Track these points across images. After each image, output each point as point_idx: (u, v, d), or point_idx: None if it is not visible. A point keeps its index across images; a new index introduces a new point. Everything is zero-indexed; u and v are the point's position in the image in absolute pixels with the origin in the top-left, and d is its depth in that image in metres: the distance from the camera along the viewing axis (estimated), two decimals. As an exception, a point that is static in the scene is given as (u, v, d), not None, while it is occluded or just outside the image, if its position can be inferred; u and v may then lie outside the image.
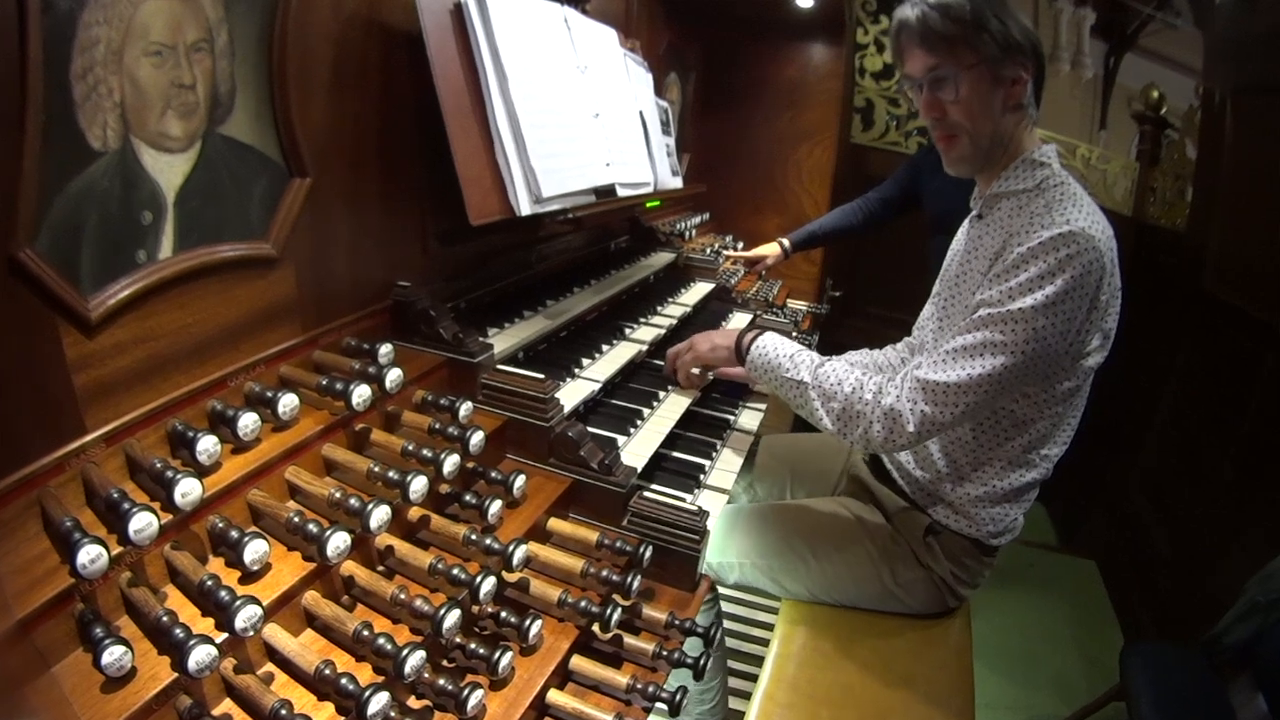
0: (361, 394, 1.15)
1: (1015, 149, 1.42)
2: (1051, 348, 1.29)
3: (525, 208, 1.51)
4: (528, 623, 1.04)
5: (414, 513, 1.16)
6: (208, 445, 0.97)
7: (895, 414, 1.36)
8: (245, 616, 0.82)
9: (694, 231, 3.25)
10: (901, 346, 1.91)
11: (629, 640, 1.16)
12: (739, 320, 2.45)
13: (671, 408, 1.71)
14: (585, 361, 1.70)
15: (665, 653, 1.13)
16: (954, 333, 1.36)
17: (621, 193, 1.92)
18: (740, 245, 3.34)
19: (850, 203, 3.01)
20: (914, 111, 3.63)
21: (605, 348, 1.80)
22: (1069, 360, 1.36)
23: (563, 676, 1.10)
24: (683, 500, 1.38)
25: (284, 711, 0.80)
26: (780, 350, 1.55)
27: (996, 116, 1.38)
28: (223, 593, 0.83)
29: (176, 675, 0.79)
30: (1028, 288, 1.26)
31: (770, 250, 3.05)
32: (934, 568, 1.56)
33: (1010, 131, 1.40)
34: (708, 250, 2.91)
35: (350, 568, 1.02)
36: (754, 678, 1.57)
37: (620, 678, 1.07)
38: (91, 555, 0.76)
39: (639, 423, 1.62)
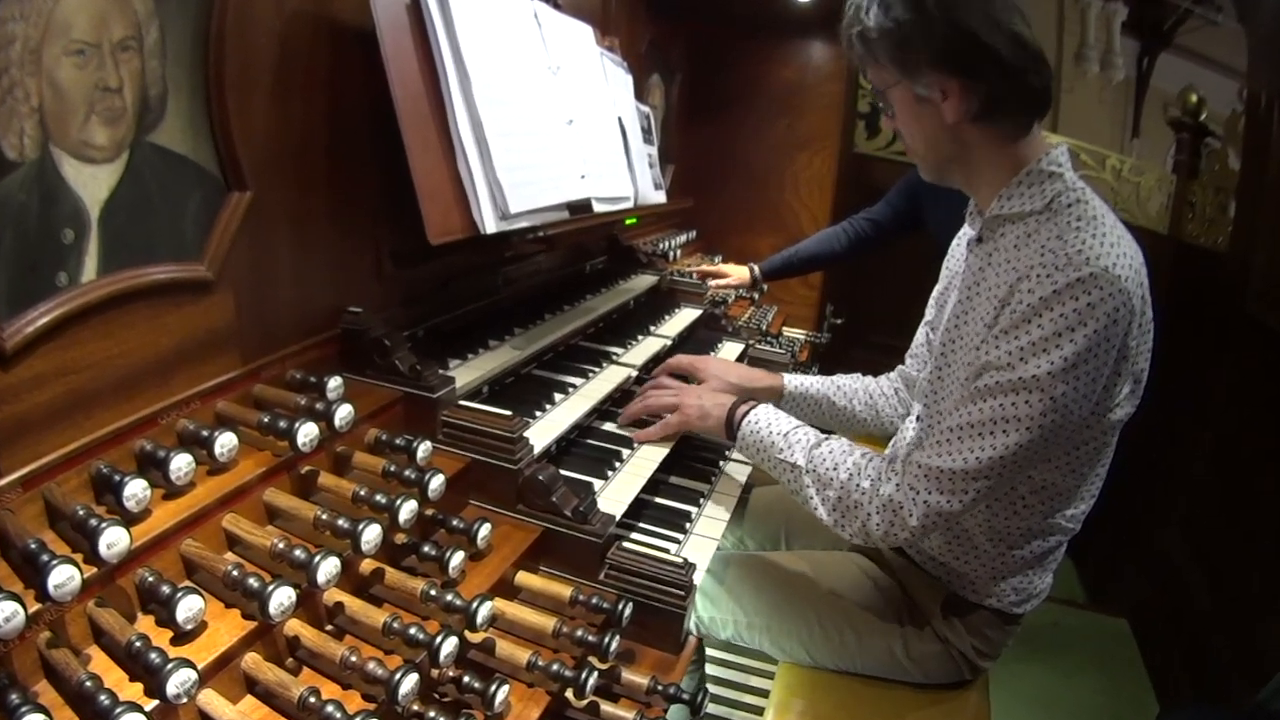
0: (308, 433, 1.17)
1: (1011, 162, 1.34)
2: (1074, 415, 1.25)
3: (490, 225, 1.54)
4: (493, 688, 1.05)
5: (366, 565, 1.17)
6: (136, 490, 0.98)
7: (896, 505, 1.34)
8: (178, 681, 0.83)
9: (679, 251, 3.30)
10: (895, 376, 1.93)
11: (606, 707, 1.18)
12: (729, 350, 2.48)
13: (653, 449, 1.73)
14: (558, 397, 1.73)
15: (647, 722, 1.15)
16: (956, 401, 1.35)
17: (598, 208, 1.97)
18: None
19: (834, 225, 3.01)
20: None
21: (580, 382, 1.84)
22: (1094, 419, 1.33)
23: (533, 749, 1.11)
24: (667, 552, 1.40)
25: (221, 787, 0.81)
26: (774, 428, 1.54)
27: (933, 133, 1.35)
28: (153, 655, 0.84)
29: (101, 747, 0.79)
30: (1042, 347, 1.21)
31: (735, 271, 3.03)
32: (953, 641, 1.56)
33: (974, 148, 1.35)
34: (694, 273, 2.94)
35: (295, 627, 1.03)
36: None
37: (597, 750, 1.09)
38: (6, 613, 0.77)
39: (617, 465, 1.65)
